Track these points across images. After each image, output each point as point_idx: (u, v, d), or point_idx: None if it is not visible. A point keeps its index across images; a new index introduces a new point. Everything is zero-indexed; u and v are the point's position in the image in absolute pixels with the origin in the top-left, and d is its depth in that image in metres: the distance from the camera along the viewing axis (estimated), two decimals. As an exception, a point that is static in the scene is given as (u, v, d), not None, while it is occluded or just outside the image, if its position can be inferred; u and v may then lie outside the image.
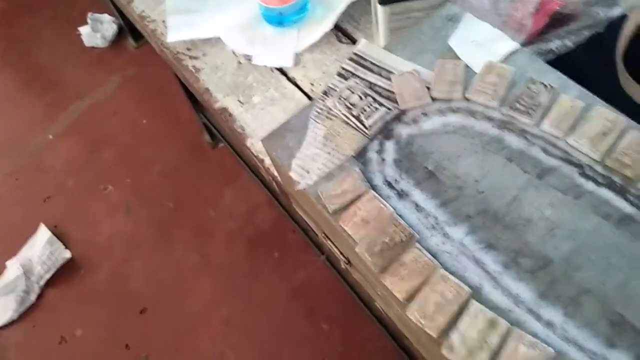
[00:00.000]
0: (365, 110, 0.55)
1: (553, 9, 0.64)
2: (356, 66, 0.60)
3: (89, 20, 2.20)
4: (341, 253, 0.61)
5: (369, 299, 1.34)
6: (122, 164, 1.91)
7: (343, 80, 0.59)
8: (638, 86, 0.64)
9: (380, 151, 0.54)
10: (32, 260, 1.71)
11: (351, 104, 0.56)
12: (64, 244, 1.74)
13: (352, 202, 0.51)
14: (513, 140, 0.52)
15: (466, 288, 0.45)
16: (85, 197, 1.85)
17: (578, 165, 0.49)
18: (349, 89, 0.58)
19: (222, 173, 1.83)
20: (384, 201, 0.50)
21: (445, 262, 0.47)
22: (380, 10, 0.65)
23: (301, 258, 1.62)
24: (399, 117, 0.55)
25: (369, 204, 0.50)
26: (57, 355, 1.57)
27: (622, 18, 0.65)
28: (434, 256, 0.47)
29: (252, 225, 1.71)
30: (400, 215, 0.50)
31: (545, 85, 0.53)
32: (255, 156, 0.77)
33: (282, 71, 0.83)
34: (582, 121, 0.51)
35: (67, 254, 1.72)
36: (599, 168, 0.49)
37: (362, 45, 0.61)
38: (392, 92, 0.57)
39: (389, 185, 0.52)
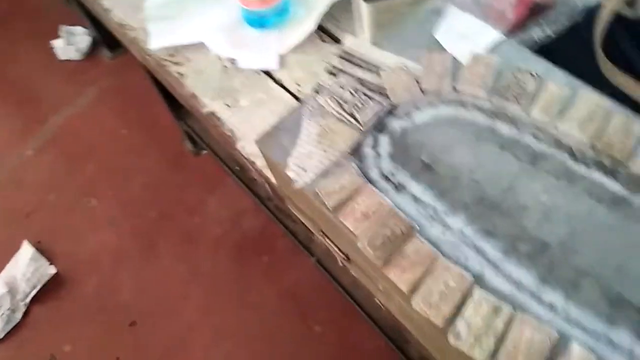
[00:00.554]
0: (357, 106, 0.56)
1: (532, 0, 0.66)
2: (345, 63, 0.60)
3: (62, 34, 2.16)
4: (340, 250, 0.61)
5: (362, 300, 1.34)
6: (104, 176, 1.88)
7: (333, 78, 0.60)
8: (617, 71, 0.65)
9: (375, 146, 0.54)
10: (17, 278, 1.67)
11: (343, 101, 0.57)
12: (49, 260, 1.71)
13: (351, 197, 0.51)
14: (504, 129, 0.53)
15: (469, 276, 0.45)
16: (68, 212, 1.82)
17: (569, 150, 0.50)
18: (339, 86, 0.58)
19: (206, 180, 1.82)
20: (382, 195, 0.51)
21: (447, 251, 0.48)
22: (365, 8, 0.65)
23: (291, 262, 1.61)
24: (391, 112, 0.56)
25: (367, 199, 0.51)
26: (47, 374, 1.54)
27: (599, 6, 0.67)
28: (435, 246, 0.48)
29: (239, 231, 1.70)
30: (399, 208, 0.50)
31: (531, 74, 0.54)
32: (247, 159, 0.77)
33: (267, 73, 0.83)
34: (569, 106, 0.53)
35: (52, 270, 1.68)
36: (588, 151, 0.50)
37: (350, 42, 0.62)
38: (383, 87, 0.58)
39: (386, 178, 0.53)
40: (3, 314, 1.62)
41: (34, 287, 1.66)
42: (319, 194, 0.52)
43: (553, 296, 0.44)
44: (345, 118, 0.56)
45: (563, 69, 0.56)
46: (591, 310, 0.43)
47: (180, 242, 1.71)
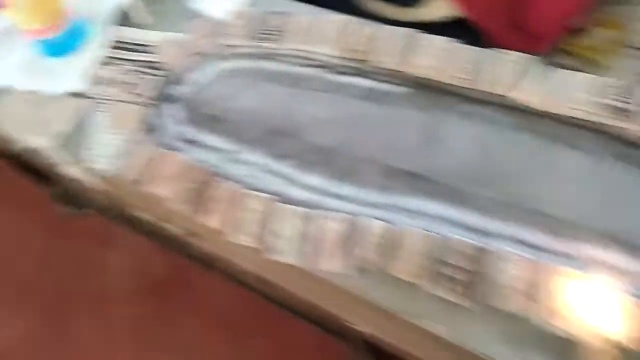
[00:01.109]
0: (136, 85, 0.58)
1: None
2: (119, 51, 0.63)
3: None
4: (181, 227, 0.62)
5: (276, 295, 1.34)
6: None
7: (110, 67, 0.62)
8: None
9: (163, 115, 0.57)
10: None
11: (124, 83, 0.58)
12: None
13: (151, 167, 0.53)
14: (268, 65, 0.58)
15: (270, 196, 0.48)
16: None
17: (323, 65, 0.56)
18: (118, 72, 0.60)
19: (97, 237, 1.74)
20: (180, 155, 0.52)
21: (250, 183, 0.51)
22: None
23: (207, 288, 1.58)
24: (171, 81, 0.59)
25: (167, 162, 0.52)
26: None
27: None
28: (238, 182, 0.50)
29: (147, 276, 1.64)
30: (199, 161, 0.53)
31: (281, 13, 0.60)
32: (76, 181, 0.75)
33: (74, 94, 0.82)
34: (315, 30, 0.58)
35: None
36: (337, 61, 0.56)
37: (119, 31, 0.64)
38: (159, 62, 0.60)
39: (184, 141, 0.55)
40: None
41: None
42: (125, 174, 0.53)
43: (343, 189, 0.48)
44: (130, 99, 0.58)
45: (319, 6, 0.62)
46: (372, 186, 0.47)
47: (91, 308, 1.62)
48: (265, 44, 0.58)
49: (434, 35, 0.54)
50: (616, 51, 0.57)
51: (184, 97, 0.57)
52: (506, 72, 0.50)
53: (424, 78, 0.52)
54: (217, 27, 0.61)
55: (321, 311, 0.62)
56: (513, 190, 0.45)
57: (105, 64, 0.62)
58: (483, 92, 0.50)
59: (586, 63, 0.56)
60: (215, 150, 0.53)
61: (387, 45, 0.54)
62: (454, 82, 0.51)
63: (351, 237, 0.44)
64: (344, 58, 0.56)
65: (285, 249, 0.45)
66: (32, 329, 1.62)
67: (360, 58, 0.55)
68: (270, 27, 0.59)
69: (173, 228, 0.65)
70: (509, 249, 0.42)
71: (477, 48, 0.52)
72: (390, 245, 0.44)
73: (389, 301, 0.45)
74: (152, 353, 1.50)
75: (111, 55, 0.62)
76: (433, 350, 0.46)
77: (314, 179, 0.49)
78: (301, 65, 0.57)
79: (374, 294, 0.45)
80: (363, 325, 0.58)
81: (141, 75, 0.58)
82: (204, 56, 0.60)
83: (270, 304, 1.35)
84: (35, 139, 0.78)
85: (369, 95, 0.53)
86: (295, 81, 0.56)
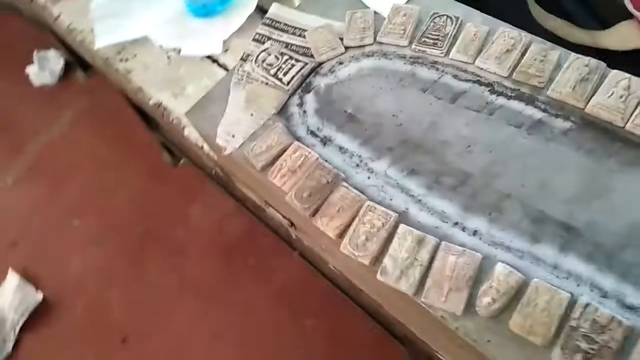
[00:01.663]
0: (282, 68, 0.56)
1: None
2: (270, 29, 0.61)
3: (35, 59, 2.18)
4: (284, 217, 0.61)
5: (346, 287, 1.33)
6: (86, 197, 1.88)
7: (259, 45, 0.60)
8: (548, 15, 0.66)
9: (301, 104, 0.55)
10: (4, 308, 1.66)
11: (268, 65, 0.57)
12: (35, 286, 1.70)
13: (278, 156, 0.51)
14: (425, 73, 0.53)
15: (393, 214, 0.45)
16: (52, 236, 1.81)
17: (488, 84, 0.50)
18: (265, 52, 0.58)
19: (186, 190, 1.81)
20: (308, 149, 0.51)
21: (372, 194, 0.47)
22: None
23: (276, 260, 1.60)
24: (315, 70, 0.56)
25: (294, 155, 0.51)
26: (43, 401, 1.52)
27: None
28: (361, 191, 0.48)
29: (223, 236, 1.69)
30: (325, 160, 0.50)
31: (450, 17, 0.55)
32: (195, 144, 0.77)
33: (212, 59, 0.83)
34: (487, 44, 0.53)
35: (39, 296, 1.67)
36: (507, 83, 0.50)
37: (274, 9, 0.62)
38: (307, 48, 0.58)
39: (313, 134, 0.53)
40: (-7, 346, 1.61)
41: (23, 316, 1.65)
42: (248, 157, 0.52)
43: (476, 222, 0.43)
44: (271, 81, 0.56)
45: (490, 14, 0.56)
46: (515, 230, 0.42)
47: (166, 254, 1.70)
48: (427, 49, 0.54)
49: (625, 74, 0.47)
50: None
51: (323, 89, 0.55)
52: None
53: (604, 121, 0.45)
54: (375, 21, 0.58)
55: (401, 327, 0.59)
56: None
57: (255, 40, 0.61)
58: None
59: None
60: (344, 152, 0.51)
61: (570, 77, 0.48)
62: (637, 132, 0.44)
63: (479, 278, 0.41)
64: (516, 81, 0.50)
65: (400, 275, 0.42)
66: (108, 261, 1.72)
67: (534, 84, 0.49)
68: (437, 32, 0.54)
69: (275, 215, 0.64)
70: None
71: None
72: (519, 297, 0.40)
73: (497, 352, 0.41)
74: (213, 308, 1.55)
75: (262, 32, 0.61)
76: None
77: (446, 205, 0.45)
78: (463, 79, 0.51)
79: (480, 339, 0.41)
80: (448, 357, 0.55)
81: (287, 59, 0.56)
82: (352, 50, 0.57)
83: (337, 292, 1.35)
84: (165, 97, 0.80)
85: (532, 127, 0.47)
86: (452, 95, 0.50)
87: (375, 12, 0.59)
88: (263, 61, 0.57)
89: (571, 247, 0.41)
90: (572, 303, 0.39)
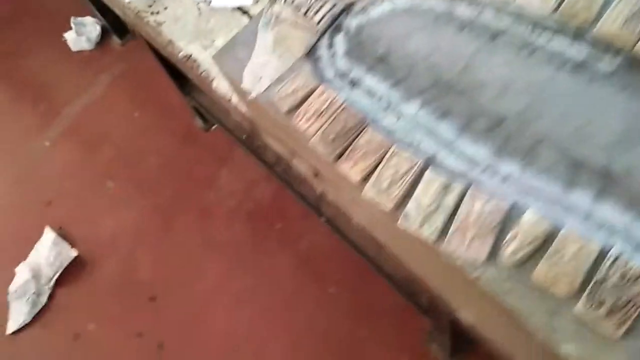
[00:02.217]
0: (312, 7, 0.54)
1: None
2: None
3: (72, 25, 2.20)
4: (309, 167, 0.60)
5: (373, 255, 1.32)
6: (120, 159, 1.91)
7: (287, -12, 0.58)
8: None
9: (330, 45, 0.53)
10: (40, 263, 1.72)
11: (297, 6, 0.55)
12: (70, 244, 1.75)
13: (304, 99, 0.50)
14: (463, 11, 0.50)
15: (420, 158, 0.43)
16: (86, 196, 1.86)
17: (529, 22, 0.47)
18: (293, -6, 0.56)
19: (217, 154, 1.82)
20: (335, 92, 0.49)
21: (400, 138, 0.45)
22: None
23: (303, 226, 1.60)
24: (346, 10, 0.54)
25: (320, 98, 0.49)
26: (73, 351, 1.58)
27: None
28: (388, 135, 0.46)
29: (251, 200, 1.70)
30: (353, 104, 0.48)
31: None
32: (223, 97, 0.76)
33: (242, 10, 0.82)
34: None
35: (73, 253, 1.72)
36: (550, 21, 0.47)
37: None
38: (338, -10, 0.56)
39: (341, 76, 0.51)
40: (29, 298, 1.67)
41: (57, 271, 1.70)
42: (273, 100, 0.51)
43: (509, 167, 0.41)
44: (300, 22, 0.54)
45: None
46: (548, 176, 0.40)
47: (195, 217, 1.72)
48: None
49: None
50: None
51: (354, 30, 0.53)
52: None
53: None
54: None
55: (422, 285, 0.57)
56: None
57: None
58: None
59: None
60: (372, 95, 0.49)
61: (621, 13, 0.44)
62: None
63: (505, 226, 0.39)
64: (561, 19, 0.46)
65: (423, 222, 0.40)
66: (139, 221, 1.75)
67: (579, 22, 0.45)
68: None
69: (300, 165, 0.63)
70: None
71: None
72: (546, 247, 0.38)
73: (518, 302, 0.39)
74: (239, 270, 1.57)
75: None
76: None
77: (477, 150, 0.42)
78: (504, 17, 0.48)
79: (500, 289, 0.39)
80: (468, 314, 0.52)
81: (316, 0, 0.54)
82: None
83: (362, 259, 1.34)
84: (195, 49, 0.80)
85: (574, 68, 0.43)
86: (490, 34, 0.47)
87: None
88: (292, 1, 0.55)
89: (607, 195, 0.38)
90: (602, 254, 0.36)
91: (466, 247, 0.38)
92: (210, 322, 1.52)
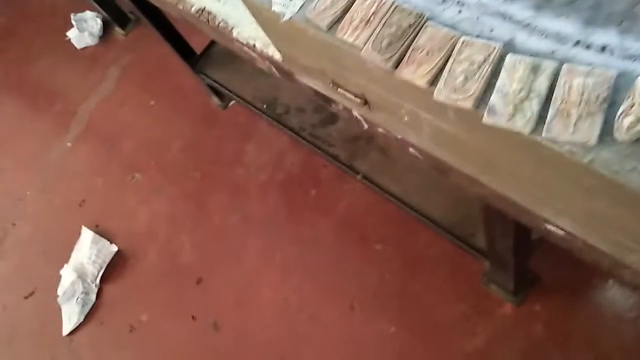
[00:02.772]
0: None
1: None
2: None
3: (73, 22, 2.17)
4: (355, 95, 0.54)
5: (419, 204, 1.27)
6: (142, 150, 1.89)
7: None
8: None
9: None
10: (83, 262, 1.72)
11: None
12: (109, 240, 1.74)
13: (347, 9, 0.44)
14: None
15: (496, 44, 0.37)
16: (116, 191, 1.85)
17: None
18: None
19: (239, 130, 1.78)
20: (380, -5, 0.43)
21: (467, 29, 0.40)
22: None
23: (338, 188, 1.56)
24: None
25: (365, 4, 0.43)
26: (131, 344, 1.58)
27: None
28: (452, 29, 0.40)
29: (282, 171, 1.66)
30: (403, 3, 0.43)
31: None
32: (246, 45, 0.71)
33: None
34: None
35: (114, 248, 1.72)
36: None
37: None
38: None
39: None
40: (78, 298, 1.67)
41: (101, 268, 1.70)
42: (310, 18, 0.45)
43: (604, 37, 0.35)
44: None
45: None
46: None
47: (228, 195, 1.69)
48: None
49: None
50: None
51: None
52: None
53: None
54: None
55: (502, 201, 0.51)
56: None
57: None
58: None
59: None
60: (423, -10, 0.43)
61: None
62: None
63: (615, 98, 0.33)
64: None
65: (514, 112, 0.35)
66: (173, 208, 1.73)
67: None
68: None
69: (344, 99, 0.58)
70: None
71: None
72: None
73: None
74: (279, 243, 1.54)
75: None
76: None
77: (562, 24, 0.37)
78: None
79: (622, 168, 0.33)
80: (566, 221, 0.45)
81: None
82: None
83: (404, 211, 1.29)
84: (207, 1, 0.74)
85: None
86: None
87: None
88: None
89: None
90: None
91: (572, 129, 0.32)
92: (260, 295, 1.50)
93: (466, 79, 0.37)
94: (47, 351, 1.65)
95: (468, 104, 0.36)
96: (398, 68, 0.40)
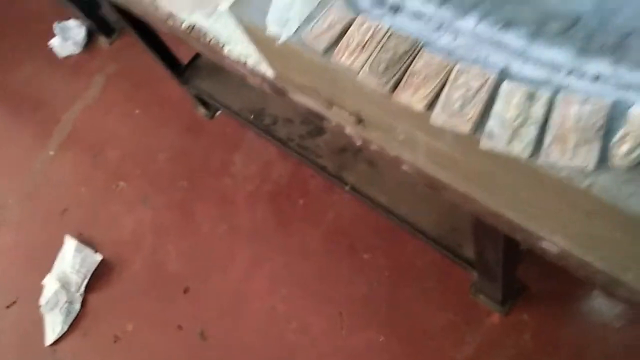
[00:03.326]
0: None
1: None
2: None
3: (56, 31, 2.14)
4: (350, 113, 0.55)
5: (406, 214, 1.28)
6: (128, 159, 1.87)
7: None
8: None
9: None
10: (66, 271, 1.70)
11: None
12: (93, 249, 1.72)
13: (343, 33, 0.45)
14: None
15: (492, 72, 0.38)
16: (101, 200, 1.82)
17: None
18: None
19: (227, 140, 1.78)
20: (377, 21, 0.44)
21: (462, 56, 0.40)
22: None
23: (327, 199, 1.56)
24: None
25: (361, 28, 0.44)
26: (116, 354, 1.56)
27: None
28: (447, 55, 0.41)
29: (270, 181, 1.66)
30: (400, 30, 0.43)
31: None
32: (236, 62, 0.71)
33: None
34: None
35: (98, 257, 1.70)
36: None
37: None
38: None
39: (379, 3, 0.46)
40: (62, 307, 1.65)
41: (85, 277, 1.68)
42: (306, 41, 0.46)
43: (597, 66, 0.36)
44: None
45: None
46: (646, 67, 0.35)
47: (215, 205, 1.68)
48: None
49: None
50: None
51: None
52: None
53: None
54: None
55: (497, 219, 0.52)
56: None
57: None
58: None
59: None
60: (419, 17, 0.44)
61: None
62: None
63: (611, 125, 0.34)
64: None
65: (512, 136, 0.36)
66: (158, 217, 1.72)
67: None
68: None
69: (338, 116, 0.58)
70: None
71: None
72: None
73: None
74: (267, 253, 1.53)
75: None
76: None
77: (556, 53, 0.38)
78: None
79: (620, 193, 0.34)
80: (560, 240, 0.46)
81: None
82: None
83: (392, 222, 1.30)
84: (198, 18, 0.74)
85: None
86: None
87: None
88: None
89: None
90: None
91: (571, 155, 0.33)
92: (248, 304, 1.49)
93: (463, 104, 0.38)
94: (30, 361, 1.62)
95: (466, 128, 0.37)
96: (395, 92, 0.41)
